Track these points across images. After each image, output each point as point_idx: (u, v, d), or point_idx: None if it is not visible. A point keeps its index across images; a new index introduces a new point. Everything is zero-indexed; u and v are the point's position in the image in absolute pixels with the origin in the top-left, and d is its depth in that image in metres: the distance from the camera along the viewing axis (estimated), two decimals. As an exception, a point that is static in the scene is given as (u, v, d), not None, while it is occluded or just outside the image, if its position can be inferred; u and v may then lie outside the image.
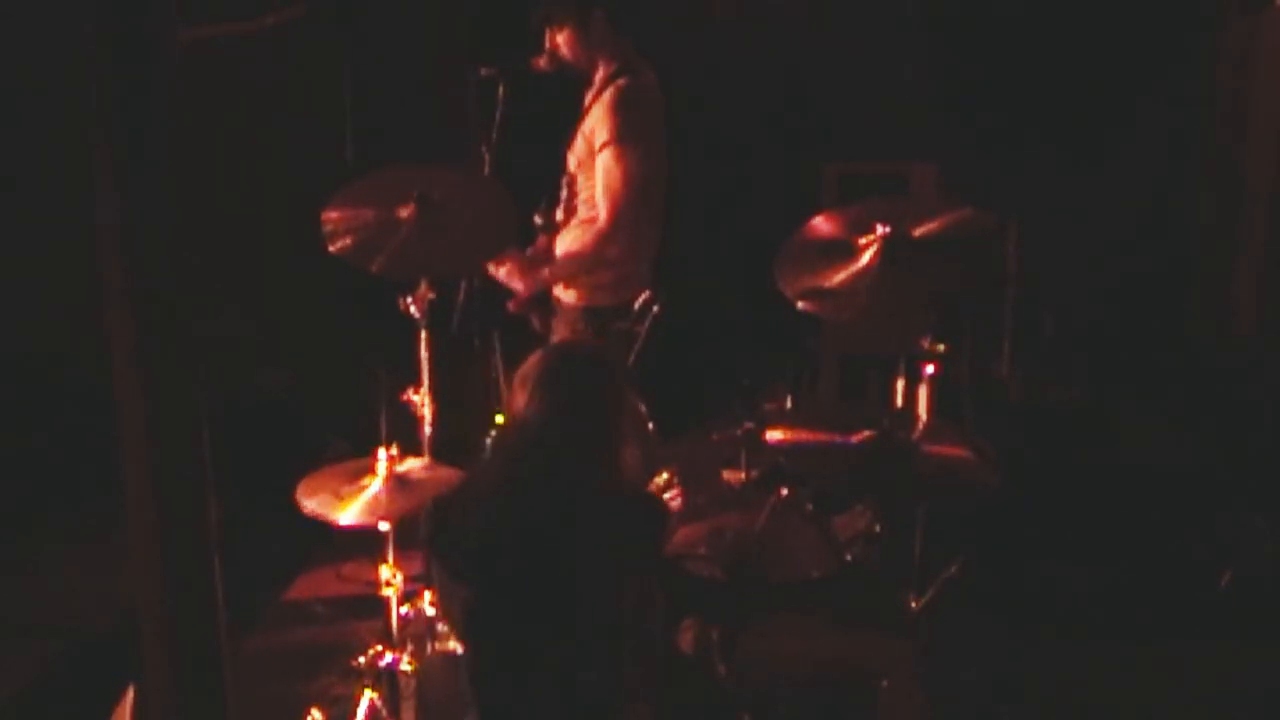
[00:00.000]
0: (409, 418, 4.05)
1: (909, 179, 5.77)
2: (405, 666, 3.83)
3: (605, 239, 4.32)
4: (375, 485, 3.71)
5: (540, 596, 2.75)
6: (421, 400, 4.01)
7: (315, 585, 4.90)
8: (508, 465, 2.79)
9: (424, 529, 2.96)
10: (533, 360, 2.83)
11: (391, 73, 5.79)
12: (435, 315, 4.00)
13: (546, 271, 4.46)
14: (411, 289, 3.94)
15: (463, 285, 4.49)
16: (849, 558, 3.78)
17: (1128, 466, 5.36)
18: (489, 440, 4.02)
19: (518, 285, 4.49)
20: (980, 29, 5.82)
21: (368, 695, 3.83)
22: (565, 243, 4.48)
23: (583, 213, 4.43)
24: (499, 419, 4.01)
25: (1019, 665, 4.30)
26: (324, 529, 3.72)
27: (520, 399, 2.76)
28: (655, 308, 4.31)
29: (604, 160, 4.28)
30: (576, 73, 4.43)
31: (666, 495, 3.76)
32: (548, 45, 4.38)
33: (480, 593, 2.80)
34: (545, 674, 2.80)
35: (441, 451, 4.00)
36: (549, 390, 2.75)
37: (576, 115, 4.44)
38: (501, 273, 4.46)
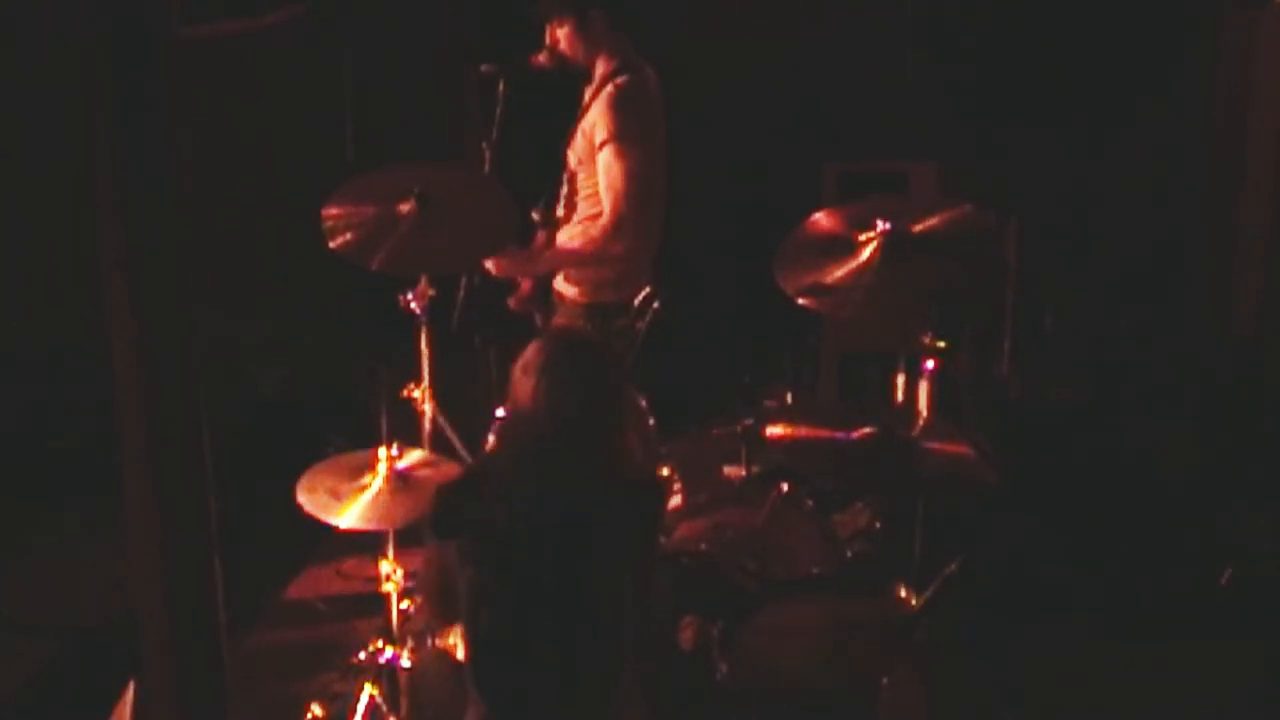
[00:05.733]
0: (409, 414, 4.06)
1: (909, 178, 5.77)
2: (405, 663, 3.83)
3: (610, 235, 4.32)
4: (375, 486, 3.70)
5: (558, 581, 2.77)
6: (422, 397, 4.02)
7: (315, 583, 4.89)
8: (523, 454, 2.79)
9: (429, 517, 2.94)
10: (534, 348, 2.82)
11: (391, 72, 5.79)
12: (435, 312, 4.00)
13: (546, 255, 4.47)
14: (411, 285, 3.94)
15: (462, 282, 4.50)
16: (849, 555, 3.79)
17: (1128, 466, 5.35)
18: (493, 430, 4.02)
19: (513, 270, 4.49)
20: (980, 29, 5.81)
21: (368, 691, 3.83)
22: (568, 239, 4.48)
23: (584, 209, 4.44)
24: (499, 413, 4.01)
25: (1019, 664, 4.30)
26: (324, 526, 3.72)
27: (526, 387, 2.75)
28: (656, 304, 4.32)
29: (604, 158, 4.29)
30: (577, 69, 4.43)
31: (666, 492, 3.77)
32: (548, 42, 4.39)
33: (498, 577, 2.80)
34: (549, 658, 2.81)
35: (441, 448, 4.00)
36: (557, 378, 2.74)
37: (576, 112, 4.45)
38: (492, 265, 4.44)
